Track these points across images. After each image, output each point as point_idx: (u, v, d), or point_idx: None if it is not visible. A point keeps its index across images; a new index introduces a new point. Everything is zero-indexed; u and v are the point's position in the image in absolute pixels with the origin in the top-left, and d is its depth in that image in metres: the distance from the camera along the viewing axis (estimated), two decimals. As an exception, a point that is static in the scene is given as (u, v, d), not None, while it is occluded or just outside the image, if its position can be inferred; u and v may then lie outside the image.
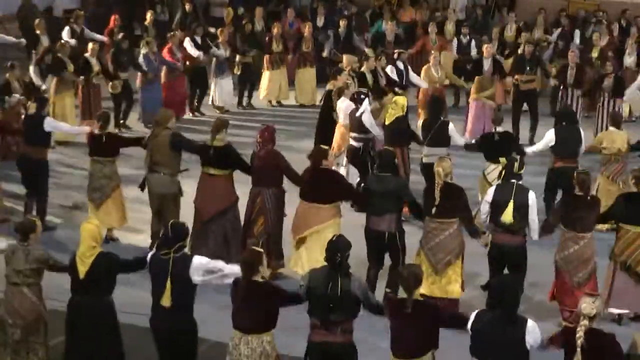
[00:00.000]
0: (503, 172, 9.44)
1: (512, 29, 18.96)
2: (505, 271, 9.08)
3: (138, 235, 11.29)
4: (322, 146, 10.07)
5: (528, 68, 15.50)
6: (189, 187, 10.70)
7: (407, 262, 9.32)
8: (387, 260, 9.62)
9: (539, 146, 11.77)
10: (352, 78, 13.58)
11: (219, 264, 7.53)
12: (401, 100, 12.10)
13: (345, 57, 15.03)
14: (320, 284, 7.09)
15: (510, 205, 9.01)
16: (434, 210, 9.26)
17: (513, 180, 9.21)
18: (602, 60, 16.60)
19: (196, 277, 7.38)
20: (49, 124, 11.43)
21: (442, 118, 11.94)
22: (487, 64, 15.46)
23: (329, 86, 13.66)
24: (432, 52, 15.89)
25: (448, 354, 7.25)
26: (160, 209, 10.66)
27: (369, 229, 9.51)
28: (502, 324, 6.58)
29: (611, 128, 11.84)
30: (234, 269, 7.40)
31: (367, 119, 12.08)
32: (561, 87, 15.56)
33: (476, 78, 15.49)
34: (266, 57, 17.68)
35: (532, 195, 9.14)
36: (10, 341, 7.97)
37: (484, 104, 15.19)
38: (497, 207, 9.13)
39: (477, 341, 6.72)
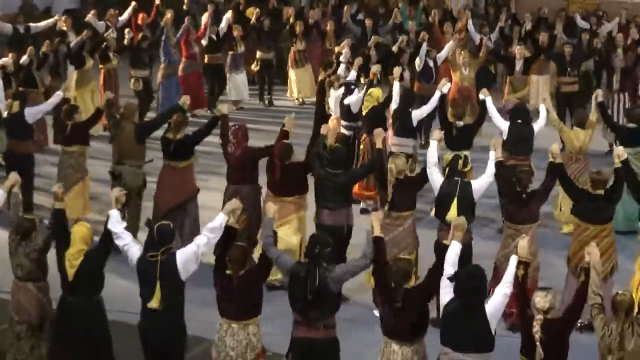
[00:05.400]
0: (447, 169, 9.35)
1: (527, 26, 18.65)
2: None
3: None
4: (285, 142, 10.03)
5: (569, 69, 15.30)
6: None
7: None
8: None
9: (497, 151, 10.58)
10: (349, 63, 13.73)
11: (197, 241, 7.38)
12: (376, 91, 12.31)
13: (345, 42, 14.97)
14: (299, 280, 7.05)
15: (454, 203, 8.95)
16: (387, 205, 9.25)
17: (457, 178, 9.15)
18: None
19: (184, 271, 7.29)
20: (29, 113, 11.44)
21: (410, 110, 12.03)
22: (518, 65, 15.30)
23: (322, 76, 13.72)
24: (462, 52, 15.63)
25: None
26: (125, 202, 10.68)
27: (323, 225, 9.42)
28: (468, 312, 6.64)
29: (575, 128, 11.71)
30: (215, 224, 7.31)
31: (354, 102, 12.19)
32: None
33: (508, 78, 15.47)
34: (290, 56, 17.55)
35: (474, 184, 9.14)
36: (16, 337, 7.96)
37: (516, 105, 14.96)
38: (442, 203, 9.09)
39: (445, 329, 6.76)
